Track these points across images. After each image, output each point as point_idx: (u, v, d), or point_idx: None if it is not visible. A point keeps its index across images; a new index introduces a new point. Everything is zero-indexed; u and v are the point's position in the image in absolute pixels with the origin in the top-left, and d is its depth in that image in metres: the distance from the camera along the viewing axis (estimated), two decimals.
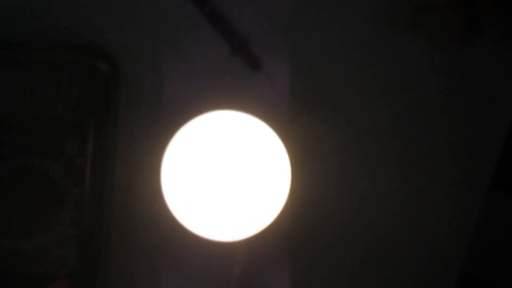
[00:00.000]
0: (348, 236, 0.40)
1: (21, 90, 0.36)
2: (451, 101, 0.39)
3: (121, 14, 0.39)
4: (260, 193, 0.30)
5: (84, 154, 0.36)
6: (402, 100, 0.40)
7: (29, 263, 0.36)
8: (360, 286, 0.40)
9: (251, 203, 0.30)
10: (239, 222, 0.30)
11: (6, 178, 0.36)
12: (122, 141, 0.39)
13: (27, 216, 0.36)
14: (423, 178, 0.40)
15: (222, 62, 0.38)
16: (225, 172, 0.30)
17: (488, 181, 0.40)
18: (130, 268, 0.40)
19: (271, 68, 0.36)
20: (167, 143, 0.30)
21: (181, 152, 0.30)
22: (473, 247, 0.41)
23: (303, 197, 0.35)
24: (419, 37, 0.39)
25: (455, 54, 0.39)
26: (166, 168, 0.30)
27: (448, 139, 0.40)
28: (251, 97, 0.35)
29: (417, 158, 0.40)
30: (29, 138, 0.36)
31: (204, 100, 0.36)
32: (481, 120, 0.39)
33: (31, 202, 0.36)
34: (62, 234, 0.36)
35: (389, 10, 0.38)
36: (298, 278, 0.38)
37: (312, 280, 0.39)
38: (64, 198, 0.36)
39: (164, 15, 0.39)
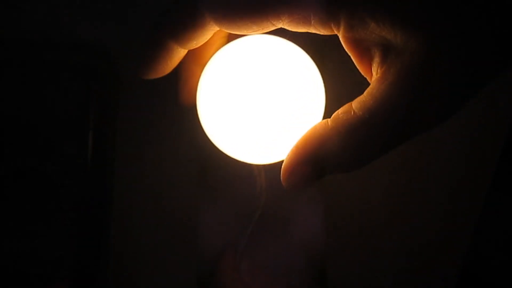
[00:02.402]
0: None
1: (21, 90, 0.36)
2: None
3: (120, 14, 0.39)
4: (293, 119, 0.30)
5: (84, 154, 0.36)
6: None
7: (28, 263, 0.36)
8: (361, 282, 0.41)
9: (285, 128, 0.30)
10: (274, 146, 0.30)
11: (6, 178, 0.36)
12: (122, 141, 0.39)
13: (27, 217, 0.36)
14: (424, 178, 0.40)
15: None
16: (259, 96, 0.30)
17: (488, 181, 0.40)
18: (130, 268, 0.40)
19: None
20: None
21: (217, 76, 0.30)
22: (474, 246, 0.41)
23: None
24: None
25: None
26: (203, 92, 0.30)
27: (448, 139, 0.40)
28: None
29: (417, 158, 0.40)
30: (29, 138, 0.36)
31: None
32: (481, 120, 0.39)
33: (31, 203, 0.36)
34: (62, 234, 0.36)
35: None
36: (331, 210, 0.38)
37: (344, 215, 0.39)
38: (64, 198, 0.36)
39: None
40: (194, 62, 0.27)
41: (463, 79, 0.23)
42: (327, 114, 0.30)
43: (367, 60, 0.25)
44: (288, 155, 0.26)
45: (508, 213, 0.47)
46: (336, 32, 0.24)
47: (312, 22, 0.24)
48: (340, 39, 0.25)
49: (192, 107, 0.31)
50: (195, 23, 0.25)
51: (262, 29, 0.25)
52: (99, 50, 0.38)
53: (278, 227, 0.39)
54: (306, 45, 0.30)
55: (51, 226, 0.36)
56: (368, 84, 0.25)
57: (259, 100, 0.30)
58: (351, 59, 0.26)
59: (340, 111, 0.25)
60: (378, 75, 0.24)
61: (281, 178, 0.26)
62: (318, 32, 0.25)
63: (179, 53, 0.26)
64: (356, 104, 0.24)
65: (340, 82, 0.31)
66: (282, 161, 0.30)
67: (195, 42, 0.26)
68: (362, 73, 0.26)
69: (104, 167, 0.37)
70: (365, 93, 0.24)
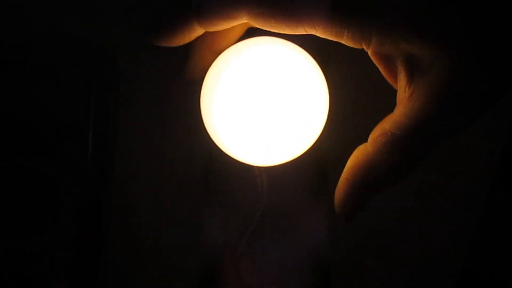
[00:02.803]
0: None
1: (21, 90, 0.36)
2: None
3: (121, 14, 0.39)
4: (297, 121, 0.30)
5: (84, 154, 0.36)
6: None
7: (28, 264, 0.36)
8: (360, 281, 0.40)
9: (289, 130, 0.30)
10: (275, 147, 0.30)
11: (6, 178, 0.36)
12: (122, 141, 0.39)
13: (27, 217, 0.36)
14: (424, 177, 0.40)
15: None
16: (262, 98, 0.30)
17: (489, 181, 0.40)
18: (130, 268, 0.40)
19: None
20: None
21: (221, 77, 0.30)
22: (474, 246, 0.41)
23: (339, 131, 0.34)
24: None
25: None
26: (206, 92, 0.30)
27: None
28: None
29: None
30: (29, 138, 0.36)
31: None
32: (482, 119, 0.39)
33: (31, 203, 0.36)
34: (62, 234, 0.36)
35: None
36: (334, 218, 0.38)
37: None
38: (64, 198, 0.36)
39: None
40: (205, 47, 0.28)
41: (484, 94, 0.25)
42: (330, 116, 0.30)
43: (394, 71, 0.26)
44: (340, 189, 0.28)
45: (509, 213, 0.47)
46: (365, 48, 0.25)
47: (344, 38, 0.25)
48: (369, 54, 0.26)
49: (194, 107, 0.31)
50: (228, 14, 0.25)
51: (294, 32, 0.26)
52: (99, 50, 0.38)
53: (279, 228, 0.39)
54: (310, 47, 0.30)
55: (51, 226, 0.36)
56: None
57: (262, 102, 0.30)
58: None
59: (376, 134, 0.27)
60: (407, 94, 0.25)
61: (338, 210, 0.28)
62: (347, 44, 0.26)
63: (198, 32, 0.27)
64: (390, 124, 0.26)
65: (343, 85, 0.32)
66: (283, 163, 0.30)
67: (219, 28, 0.26)
68: (389, 82, 0.27)
69: (104, 167, 0.37)
70: (397, 112, 0.26)
